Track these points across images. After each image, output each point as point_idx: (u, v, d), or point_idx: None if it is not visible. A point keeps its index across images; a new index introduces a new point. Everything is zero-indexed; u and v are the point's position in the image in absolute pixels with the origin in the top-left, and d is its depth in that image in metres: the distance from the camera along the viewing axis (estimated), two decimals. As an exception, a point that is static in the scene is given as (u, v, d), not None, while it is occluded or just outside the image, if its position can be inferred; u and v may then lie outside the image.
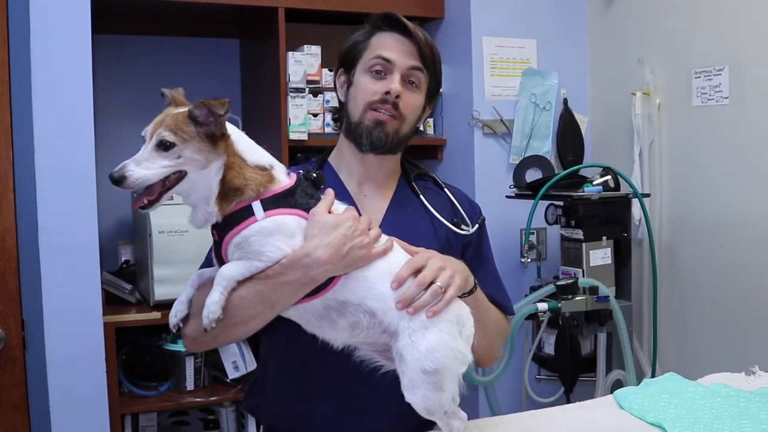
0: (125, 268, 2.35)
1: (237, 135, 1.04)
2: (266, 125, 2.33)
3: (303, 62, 2.22)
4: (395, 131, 1.21)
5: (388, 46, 1.21)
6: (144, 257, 2.16)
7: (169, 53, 2.49)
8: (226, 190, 1.00)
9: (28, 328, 1.84)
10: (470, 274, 1.14)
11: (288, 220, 1.02)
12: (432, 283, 1.03)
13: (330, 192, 1.08)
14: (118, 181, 0.95)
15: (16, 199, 1.82)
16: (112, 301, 2.15)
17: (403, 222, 1.24)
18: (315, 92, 2.26)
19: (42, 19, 1.82)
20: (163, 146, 0.97)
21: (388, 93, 1.19)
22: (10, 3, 1.79)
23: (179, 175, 0.99)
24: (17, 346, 1.82)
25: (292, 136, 2.20)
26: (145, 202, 0.99)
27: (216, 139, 0.99)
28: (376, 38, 1.23)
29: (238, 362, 2.14)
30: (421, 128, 2.46)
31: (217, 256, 1.06)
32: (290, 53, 2.21)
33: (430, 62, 1.23)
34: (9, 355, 1.80)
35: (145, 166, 0.96)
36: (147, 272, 2.11)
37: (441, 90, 2.42)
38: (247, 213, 1.01)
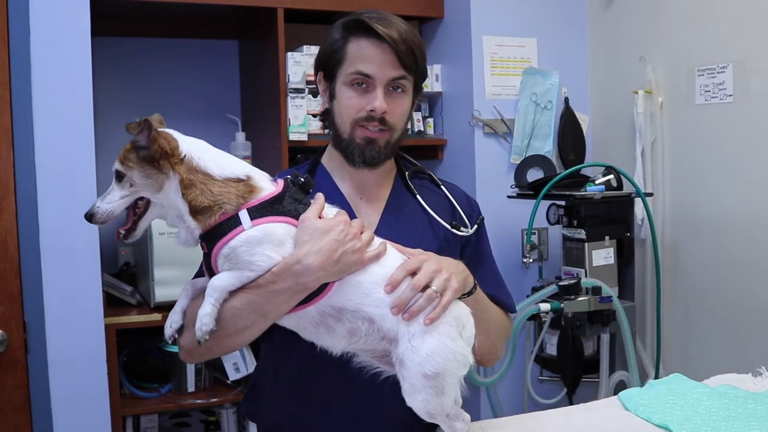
0: (126, 269, 2.35)
1: (198, 151, 1.02)
2: (266, 126, 2.32)
3: (302, 63, 2.21)
4: (386, 144, 1.19)
5: (365, 57, 1.14)
6: (144, 259, 2.15)
7: (168, 55, 2.49)
8: (194, 209, 1.00)
9: (30, 330, 1.83)
10: (469, 274, 1.12)
11: (276, 228, 1.01)
12: (427, 287, 1.01)
13: (320, 196, 1.06)
14: (89, 218, 1.01)
15: (17, 201, 1.81)
16: (112, 303, 2.15)
17: (401, 222, 1.22)
18: (315, 93, 2.25)
19: (42, 21, 1.82)
20: (118, 177, 1.01)
21: (372, 111, 1.15)
22: (10, 5, 1.79)
23: (146, 202, 1.02)
24: (19, 348, 1.81)
25: (292, 136, 2.20)
26: (122, 232, 1.03)
27: (158, 160, 0.99)
28: (353, 46, 1.16)
29: (238, 364, 2.13)
30: (422, 128, 2.48)
31: (207, 268, 1.05)
32: (289, 54, 2.21)
33: (411, 65, 1.16)
34: (11, 356, 1.80)
35: (108, 200, 1.01)
36: (147, 274, 2.10)
37: (438, 82, 2.46)
38: (233, 223, 0.99)
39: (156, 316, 2.06)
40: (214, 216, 0.99)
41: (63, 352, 1.85)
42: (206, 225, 1.00)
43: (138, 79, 2.43)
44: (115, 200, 1.00)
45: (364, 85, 1.16)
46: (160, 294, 2.06)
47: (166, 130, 1.03)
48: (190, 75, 2.50)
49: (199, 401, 2.19)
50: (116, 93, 2.37)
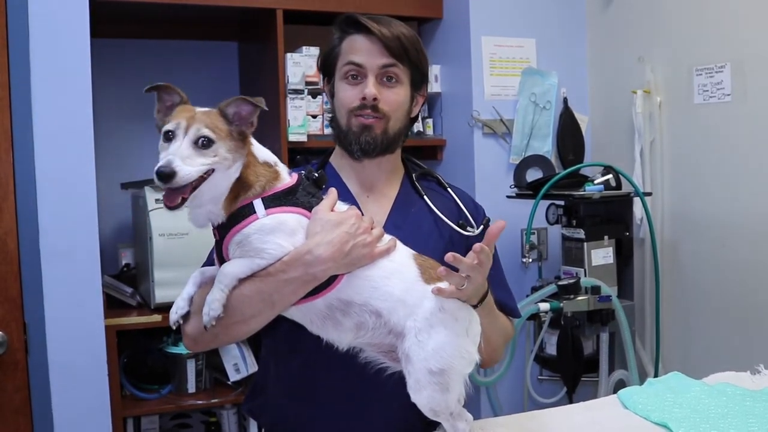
0: (126, 271, 2.35)
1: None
2: (265, 127, 2.30)
3: (302, 64, 2.22)
4: (383, 132, 1.21)
5: (356, 49, 1.20)
6: (144, 260, 2.16)
7: (168, 56, 2.49)
8: (239, 187, 1.01)
9: (30, 332, 1.83)
10: (485, 286, 1.11)
11: (289, 218, 1.03)
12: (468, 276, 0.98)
13: (333, 191, 1.08)
14: (170, 176, 0.91)
15: (16, 202, 1.81)
16: (113, 305, 2.15)
17: (407, 222, 1.23)
18: (314, 93, 2.25)
19: (41, 23, 1.82)
20: (202, 144, 0.95)
21: (364, 98, 1.19)
22: (9, 7, 1.79)
23: (207, 174, 0.98)
24: (19, 350, 1.81)
25: (292, 137, 2.20)
26: (180, 200, 0.95)
27: (245, 137, 1.01)
28: (346, 43, 1.22)
29: (239, 364, 2.14)
30: (421, 129, 2.48)
31: (218, 256, 1.06)
32: (289, 55, 2.21)
33: (401, 54, 1.20)
34: (11, 358, 1.80)
35: (188, 163, 0.93)
36: (147, 275, 2.11)
37: (437, 83, 2.46)
38: (248, 211, 1.01)
39: (156, 318, 2.07)
40: (238, 200, 1.01)
41: (63, 353, 1.85)
42: (229, 210, 1.01)
43: (137, 80, 2.40)
44: (196, 166, 0.93)
45: (357, 78, 1.20)
46: (161, 295, 2.06)
47: None
48: (189, 76, 2.50)
49: (200, 402, 2.19)
50: (115, 94, 2.37)
